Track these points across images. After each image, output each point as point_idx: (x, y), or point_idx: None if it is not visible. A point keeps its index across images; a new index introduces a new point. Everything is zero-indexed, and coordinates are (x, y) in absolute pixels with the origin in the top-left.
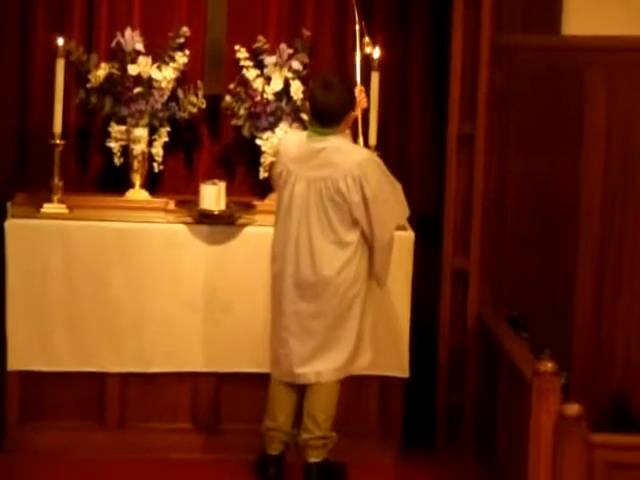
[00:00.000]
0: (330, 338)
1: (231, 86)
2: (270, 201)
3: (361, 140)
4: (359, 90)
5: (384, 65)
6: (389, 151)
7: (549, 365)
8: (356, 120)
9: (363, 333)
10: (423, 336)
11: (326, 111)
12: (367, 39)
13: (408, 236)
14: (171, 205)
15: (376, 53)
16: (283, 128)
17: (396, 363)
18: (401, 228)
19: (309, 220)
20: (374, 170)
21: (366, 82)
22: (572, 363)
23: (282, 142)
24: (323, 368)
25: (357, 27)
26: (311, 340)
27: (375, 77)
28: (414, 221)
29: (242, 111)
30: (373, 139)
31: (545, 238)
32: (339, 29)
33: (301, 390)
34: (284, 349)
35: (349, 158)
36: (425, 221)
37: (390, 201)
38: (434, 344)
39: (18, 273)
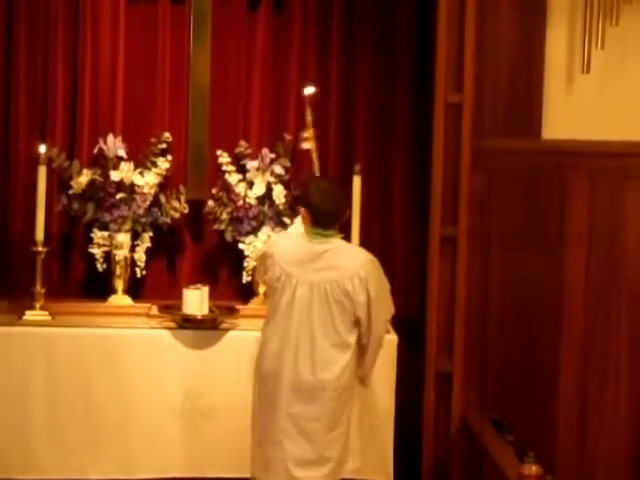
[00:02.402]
0: (324, 442)
1: (213, 191)
2: (253, 305)
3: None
4: None
5: (366, 169)
6: (371, 254)
7: (533, 468)
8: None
9: (350, 436)
10: (407, 439)
11: (329, 216)
12: (306, 134)
13: (392, 339)
14: (154, 310)
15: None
16: (266, 232)
17: (380, 467)
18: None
19: (312, 323)
20: (375, 270)
21: (349, 185)
22: (556, 466)
23: (275, 246)
24: (318, 473)
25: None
26: (307, 444)
27: (357, 181)
28: (398, 324)
29: (224, 215)
30: (355, 242)
31: (528, 340)
32: (321, 133)
33: None
34: (279, 452)
35: (353, 259)
36: (408, 324)
37: (386, 299)
38: (418, 447)
39: (0, 381)
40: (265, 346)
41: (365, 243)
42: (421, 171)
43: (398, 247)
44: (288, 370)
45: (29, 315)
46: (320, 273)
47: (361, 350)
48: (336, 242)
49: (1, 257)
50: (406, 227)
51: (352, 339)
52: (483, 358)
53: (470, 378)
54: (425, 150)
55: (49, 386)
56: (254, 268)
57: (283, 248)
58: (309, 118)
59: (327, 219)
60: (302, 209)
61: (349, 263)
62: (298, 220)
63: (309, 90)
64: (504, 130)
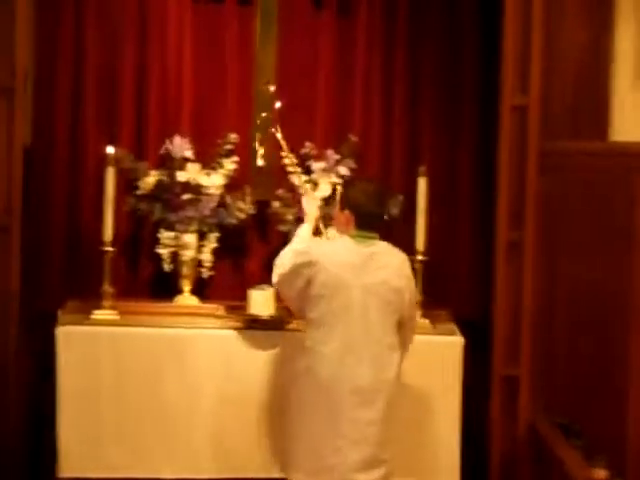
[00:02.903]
0: (381, 444)
1: (279, 192)
2: None
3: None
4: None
5: (432, 173)
6: (437, 257)
7: (603, 473)
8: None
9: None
10: (474, 443)
11: (375, 217)
12: (260, 150)
13: (457, 341)
14: (220, 311)
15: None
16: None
17: (447, 472)
18: (450, 333)
19: (369, 326)
20: (411, 270)
21: (413, 189)
22: (627, 471)
23: (318, 253)
24: (375, 475)
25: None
26: (367, 447)
27: (422, 182)
28: (463, 326)
29: (290, 216)
30: (421, 245)
31: (596, 343)
32: (386, 134)
33: None
34: (337, 458)
35: (397, 258)
36: (474, 327)
37: None
38: (485, 451)
39: (69, 379)
40: (320, 352)
41: (430, 246)
42: (487, 173)
43: (463, 250)
44: (350, 374)
45: (97, 314)
46: (373, 275)
47: None
48: (379, 243)
49: (71, 257)
50: (472, 229)
51: (397, 339)
52: (550, 361)
53: (537, 381)
54: (491, 152)
55: (117, 384)
56: (280, 282)
57: (329, 254)
58: (279, 133)
59: (372, 220)
60: (346, 212)
61: (395, 262)
62: (302, 230)
63: (277, 105)
64: (571, 132)
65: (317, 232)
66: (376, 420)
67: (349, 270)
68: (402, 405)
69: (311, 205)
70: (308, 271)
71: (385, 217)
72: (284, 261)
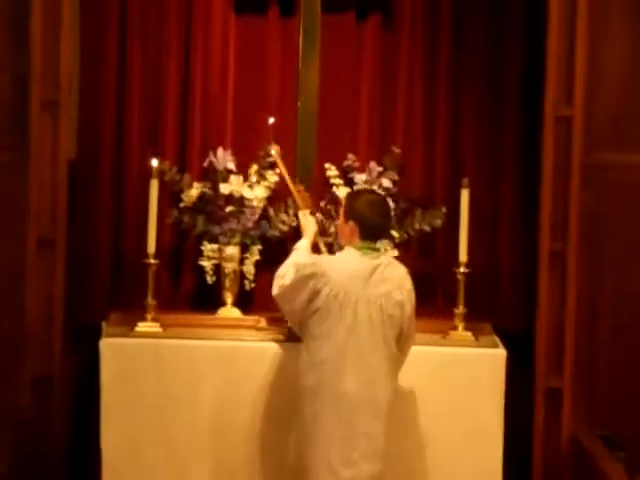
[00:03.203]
0: (385, 456)
1: (321, 204)
2: None
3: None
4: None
5: (475, 184)
6: (480, 269)
7: None
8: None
9: None
10: (517, 456)
11: (382, 228)
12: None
13: (500, 354)
14: (262, 323)
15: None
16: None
17: None
18: (493, 346)
19: (376, 339)
20: (411, 283)
21: (456, 199)
22: None
23: (325, 265)
24: None
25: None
26: (378, 460)
27: (465, 194)
28: (506, 338)
29: (332, 228)
30: (464, 257)
31: None
32: (428, 146)
33: None
34: (355, 472)
35: (399, 271)
36: (516, 338)
37: None
38: (528, 464)
39: (113, 391)
40: (330, 365)
41: (472, 258)
42: (530, 184)
43: (506, 262)
44: (357, 388)
45: (141, 327)
46: (376, 288)
47: None
48: (383, 255)
49: (114, 270)
50: (514, 241)
51: (397, 352)
52: (594, 373)
53: (581, 394)
54: (534, 163)
55: (160, 396)
56: (281, 294)
57: (336, 266)
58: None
59: (377, 231)
60: (350, 223)
61: (397, 275)
62: (300, 244)
63: (270, 120)
64: (615, 144)
65: (315, 248)
66: (384, 432)
67: (355, 282)
68: (447, 419)
69: (308, 220)
70: (314, 282)
71: (428, 229)
72: (286, 273)
